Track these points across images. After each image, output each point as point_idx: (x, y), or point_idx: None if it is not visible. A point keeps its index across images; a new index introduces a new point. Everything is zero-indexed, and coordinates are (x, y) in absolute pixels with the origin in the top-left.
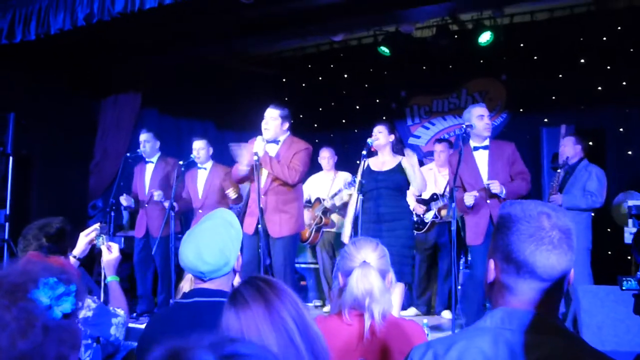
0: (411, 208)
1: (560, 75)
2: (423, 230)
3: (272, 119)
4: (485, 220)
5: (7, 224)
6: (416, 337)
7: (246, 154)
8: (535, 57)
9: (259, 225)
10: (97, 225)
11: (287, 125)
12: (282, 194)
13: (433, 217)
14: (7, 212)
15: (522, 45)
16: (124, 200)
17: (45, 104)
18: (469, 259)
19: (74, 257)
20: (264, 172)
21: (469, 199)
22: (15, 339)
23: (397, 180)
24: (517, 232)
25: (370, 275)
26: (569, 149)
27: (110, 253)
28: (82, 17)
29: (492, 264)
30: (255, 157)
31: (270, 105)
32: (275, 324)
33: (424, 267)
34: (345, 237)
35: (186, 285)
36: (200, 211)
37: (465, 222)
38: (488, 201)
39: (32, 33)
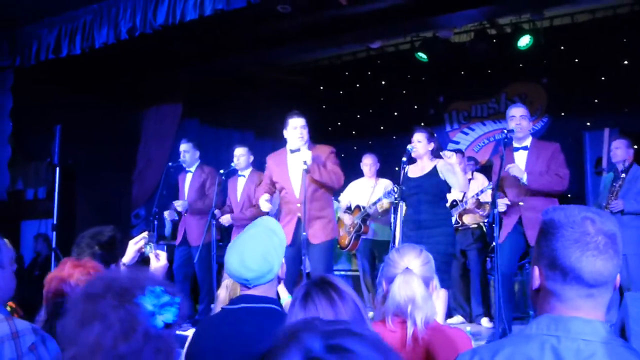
0: None
1: (603, 78)
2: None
3: (303, 127)
4: (513, 221)
5: (54, 232)
6: (461, 344)
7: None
8: (577, 60)
9: (301, 233)
10: (145, 234)
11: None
12: (318, 201)
13: (455, 224)
14: (54, 222)
15: (562, 47)
16: (167, 214)
17: (89, 116)
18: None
19: (124, 264)
20: (297, 181)
21: (501, 206)
22: (118, 340)
23: (434, 184)
24: (561, 238)
25: (413, 282)
26: (622, 152)
27: (158, 261)
28: (125, 31)
29: (536, 270)
30: (305, 167)
31: (293, 114)
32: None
33: (458, 275)
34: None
35: (222, 292)
36: (235, 217)
37: (496, 227)
38: (520, 203)
39: (77, 47)
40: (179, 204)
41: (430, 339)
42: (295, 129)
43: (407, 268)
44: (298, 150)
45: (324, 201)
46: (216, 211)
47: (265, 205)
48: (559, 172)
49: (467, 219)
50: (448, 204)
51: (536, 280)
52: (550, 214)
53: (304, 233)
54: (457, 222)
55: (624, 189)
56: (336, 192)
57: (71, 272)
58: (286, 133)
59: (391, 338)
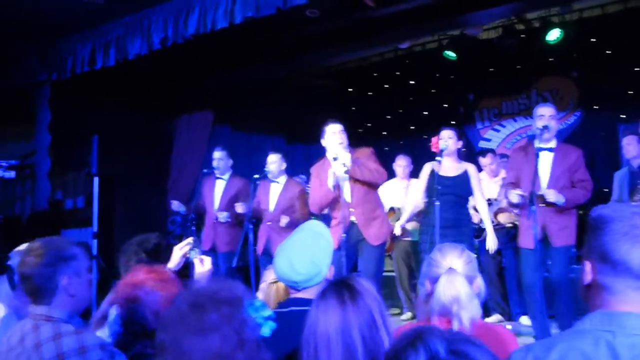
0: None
1: (636, 69)
2: (482, 237)
3: (342, 132)
4: (538, 226)
5: (95, 241)
6: (508, 341)
7: (330, 175)
8: (608, 52)
9: (343, 235)
10: (190, 239)
11: None
12: (369, 203)
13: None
14: (95, 230)
15: (593, 40)
16: (175, 205)
17: (124, 126)
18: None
19: (169, 270)
20: (346, 185)
21: (514, 196)
22: (235, 350)
23: (464, 186)
24: (611, 232)
25: (457, 282)
26: (633, 148)
27: (203, 266)
28: (158, 41)
29: (588, 265)
30: (345, 169)
31: (330, 121)
32: (344, 321)
33: (494, 274)
34: (397, 226)
35: (260, 295)
36: (269, 223)
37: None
38: (541, 205)
39: (111, 59)
40: (222, 217)
41: (477, 337)
42: (335, 133)
43: (450, 268)
44: (337, 158)
45: (375, 202)
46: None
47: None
48: (584, 182)
49: (503, 218)
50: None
51: (587, 275)
52: (599, 210)
53: (362, 238)
54: (492, 221)
55: None
56: None
57: (145, 278)
58: (324, 141)
59: None
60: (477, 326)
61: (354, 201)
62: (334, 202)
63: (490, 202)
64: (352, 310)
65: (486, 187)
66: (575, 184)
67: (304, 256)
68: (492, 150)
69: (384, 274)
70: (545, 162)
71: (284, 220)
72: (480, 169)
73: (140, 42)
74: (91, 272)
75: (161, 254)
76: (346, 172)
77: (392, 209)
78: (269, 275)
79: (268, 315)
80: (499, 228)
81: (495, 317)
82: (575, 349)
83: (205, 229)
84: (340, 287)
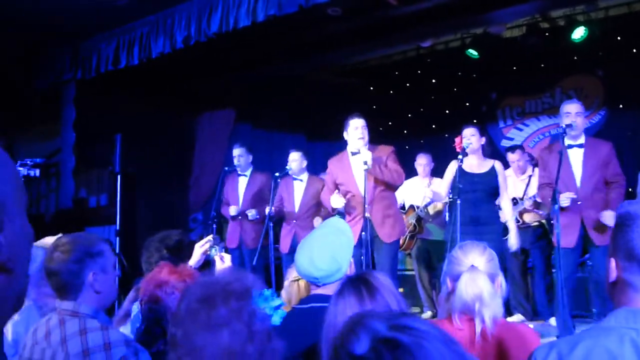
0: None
1: None
2: (506, 236)
3: (364, 128)
4: (577, 223)
5: (117, 238)
6: (530, 340)
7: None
8: (635, 50)
9: (363, 233)
10: (210, 237)
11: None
12: (385, 200)
13: (515, 222)
14: (117, 227)
15: (619, 38)
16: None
17: (147, 124)
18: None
19: (190, 267)
20: (361, 182)
21: (565, 200)
22: (245, 343)
23: (493, 183)
24: (638, 229)
25: (479, 280)
26: None
27: (223, 263)
28: (181, 40)
29: (613, 263)
30: (366, 167)
31: (354, 115)
32: None
33: (518, 273)
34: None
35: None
36: (294, 221)
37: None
38: (579, 202)
39: (135, 58)
40: (252, 215)
41: (500, 336)
42: (357, 129)
43: (472, 265)
44: (358, 152)
45: (390, 200)
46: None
47: (338, 202)
48: (617, 176)
49: (528, 218)
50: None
51: (613, 273)
52: (626, 207)
53: (363, 233)
54: (517, 220)
55: None
56: None
57: (167, 278)
58: (346, 135)
59: (459, 336)
60: (500, 324)
61: (370, 198)
62: (350, 199)
63: (515, 202)
64: (370, 305)
65: (512, 185)
66: (609, 179)
67: (324, 252)
68: (520, 147)
69: (405, 272)
70: (576, 159)
71: (317, 222)
72: (507, 166)
73: (163, 40)
74: (116, 269)
75: (183, 251)
76: (366, 170)
77: (412, 206)
78: (291, 274)
79: (278, 305)
80: (524, 227)
81: (516, 317)
82: (600, 346)
83: (230, 226)
84: (358, 283)
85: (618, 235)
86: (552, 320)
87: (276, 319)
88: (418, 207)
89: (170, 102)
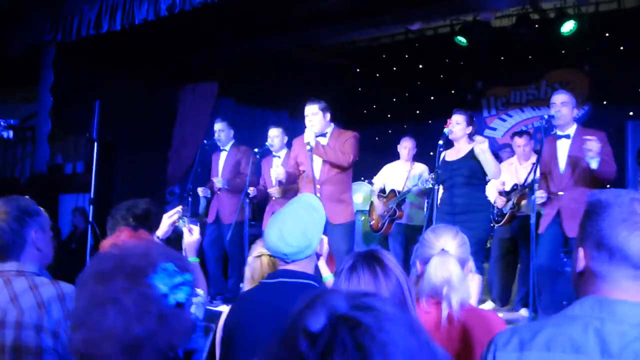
0: (492, 200)
1: None
2: (501, 223)
3: (314, 114)
4: (553, 211)
5: (91, 206)
6: (496, 327)
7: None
8: (622, 47)
9: None
10: (179, 208)
11: (328, 115)
12: (337, 184)
13: (510, 208)
14: (92, 196)
15: (607, 34)
16: (201, 191)
17: (128, 92)
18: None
19: (157, 237)
20: (317, 164)
21: (539, 199)
22: (132, 323)
23: (471, 166)
24: (608, 218)
25: (449, 264)
26: None
27: (192, 235)
28: (165, 7)
29: (581, 252)
30: (308, 147)
31: (307, 102)
32: (377, 292)
33: (504, 261)
34: None
35: (247, 271)
36: (273, 198)
37: (532, 214)
38: (560, 193)
39: (117, 23)
40: (218, 181)
41: (466, 321)
42: (307, 116)
43: (443, 249)
44: (322, 135)
45: (342, 185)
46: (250, 189)
47: (278, 173)
48: (611, 162)
49: (525, 205)
50: (508, 188)
51: (580, 262)
52: (597, 195)
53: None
54: (512, 207)
55: None
56: (370, 175)
57: (125, 241)
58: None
59: (425, 319)
60: (466, 309)
61: (321, 179)
62: (302, 179)
63: (516, 187)
64: (384, 282)
65: (514, 172)
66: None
67: (295, 228)
68: (527, 132)
69: None
70: (563, 150)
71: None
72: (512, 153)
73: (147, 7)
74: (51, 231)
75: (150, 220)
76: (309, 150)
77: (392, 191)
78: (255, 249)
79: (181, 282)
80: (520, 216)
81: (488, 304)
82: (562, 334)
83: (211, 201)
84: (370, 259)
85: (587, 223)
86: (524, 311)
87: (181, 296)
88: (399, 192)
89: (153, 72)
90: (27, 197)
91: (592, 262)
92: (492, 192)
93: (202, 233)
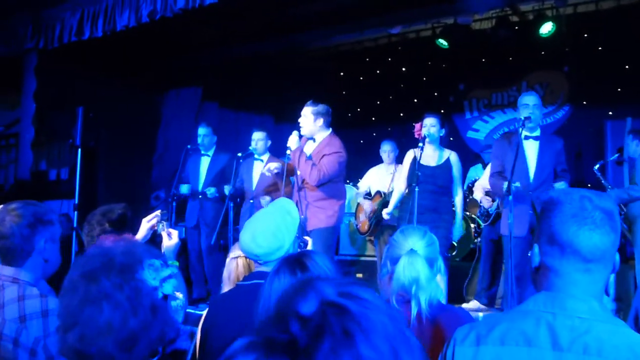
0: (478, 200)
1: (627, 67)
2: (488, 222)
3: (304, 116)
4: (528, 213)
5: (75, 212)
6: (465, 323)
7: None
8: (600, 48)
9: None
10: (158, 212)
11: (321, 121)
12: (316, 191)
13: (495, 208)
14: (76, 202)
15: (585, 35)
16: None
17: (111, 98)
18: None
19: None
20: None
21: (486, 203)
22: (127, 317)
23: (448, 177)
24: (559, 214)
25: (417, 263)
26: None
27: (171, 239)
28: (146, 14)
29: (536, 248)
30: (288, 152)
31: (307, 102)
32: None
33: (490, 260)
34: (384, 213)
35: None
36: (251, 201)
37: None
38: (531, 192)
39: (99, 30)
40: (210, 192)
41: (435, 319)
42: (301, 117)
43: (411, 249)
44: (311, 139)
45: (324, 193)
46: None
47: (294, 141)
48: (565, 172)
49: None
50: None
51: (536, 258)
52: (550, 193)
53: (302, 216)
54: (498, 207)
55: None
56: (354, 178)
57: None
58: None
59: None
60: (435, 307)
61: (299, 184)
62: (287, 184)
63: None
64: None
65: None
66: (559, 173)
67: (266, 230)
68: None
69: (365, 258)
70: (532, 151)
71: (264, 201)
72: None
73: (128, 14)
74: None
75: (126, 225)
76: (287, 158)
77: (378, 192)
78: (233, 251)
79: (168, 275)
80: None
81: (473, 303)
82: (515, 328)
83: (190, 205)
84: (293, 262)
85: (542, 221)
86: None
87: (168, 289)
88: (384, 193)
89: (136, 77)
90: (44, 204)
91: (545, 257)
92: (478, 192)
93: (185, 237)
